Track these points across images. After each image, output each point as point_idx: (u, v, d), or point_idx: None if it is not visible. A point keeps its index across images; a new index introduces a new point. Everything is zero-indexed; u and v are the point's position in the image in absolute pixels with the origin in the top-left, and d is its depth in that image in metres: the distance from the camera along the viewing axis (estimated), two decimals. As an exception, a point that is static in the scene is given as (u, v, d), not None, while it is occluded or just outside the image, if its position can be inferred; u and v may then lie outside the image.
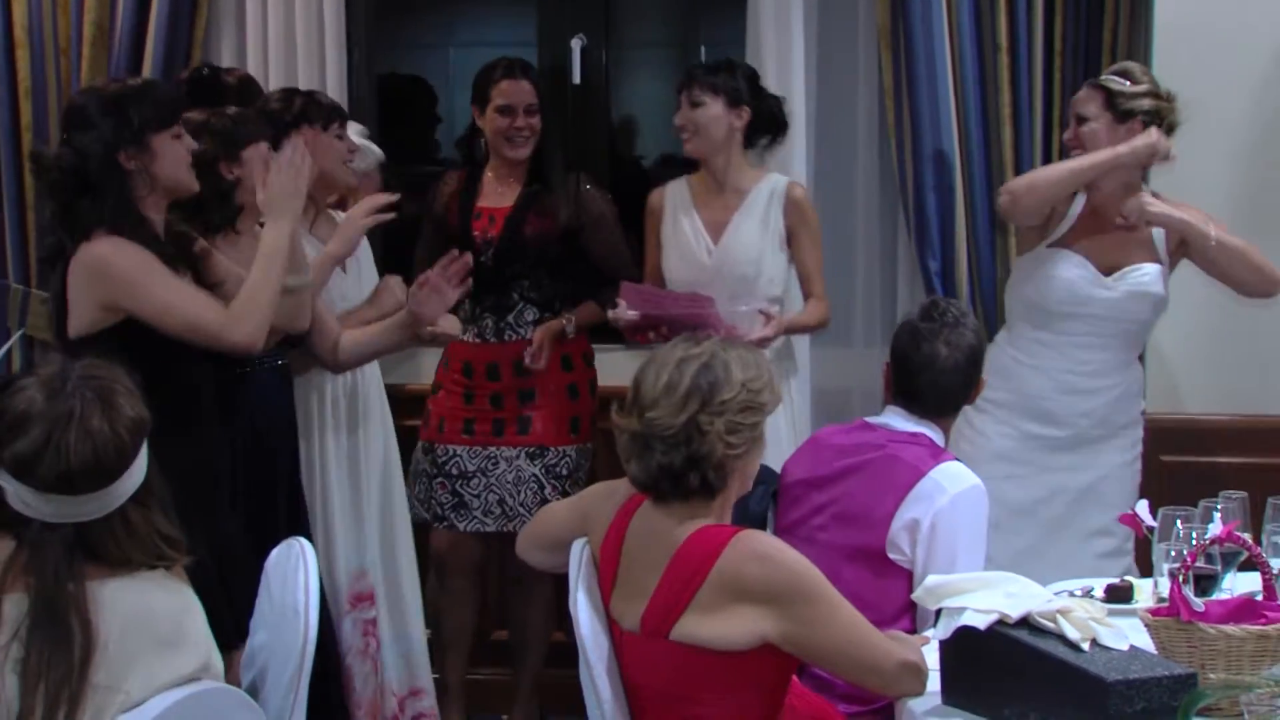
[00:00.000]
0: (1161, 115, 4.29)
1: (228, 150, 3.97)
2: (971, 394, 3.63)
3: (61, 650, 2.47)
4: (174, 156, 3.66)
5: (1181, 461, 4.65)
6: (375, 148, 4.84)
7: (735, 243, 4.59)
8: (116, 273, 3.55)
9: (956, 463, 3.47)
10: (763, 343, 4.41)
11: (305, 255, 3.94)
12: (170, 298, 3.57)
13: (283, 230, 3.72)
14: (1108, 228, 4.32)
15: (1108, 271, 4.30)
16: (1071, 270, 4.30)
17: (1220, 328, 4.68)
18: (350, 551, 4.48)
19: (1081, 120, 4.33)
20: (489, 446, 4.74)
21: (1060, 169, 4.34)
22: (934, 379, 3.57)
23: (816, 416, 4.88)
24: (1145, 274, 4.30)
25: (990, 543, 3.52)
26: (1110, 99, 4.29)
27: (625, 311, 4.46)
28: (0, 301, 5.18)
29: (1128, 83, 4.30)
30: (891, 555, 3.44)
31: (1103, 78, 4.37)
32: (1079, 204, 4.38)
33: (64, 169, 3.59)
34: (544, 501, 4.64)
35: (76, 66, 5.06)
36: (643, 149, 5.67)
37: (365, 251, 4.54)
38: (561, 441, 4.77)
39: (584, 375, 4.84)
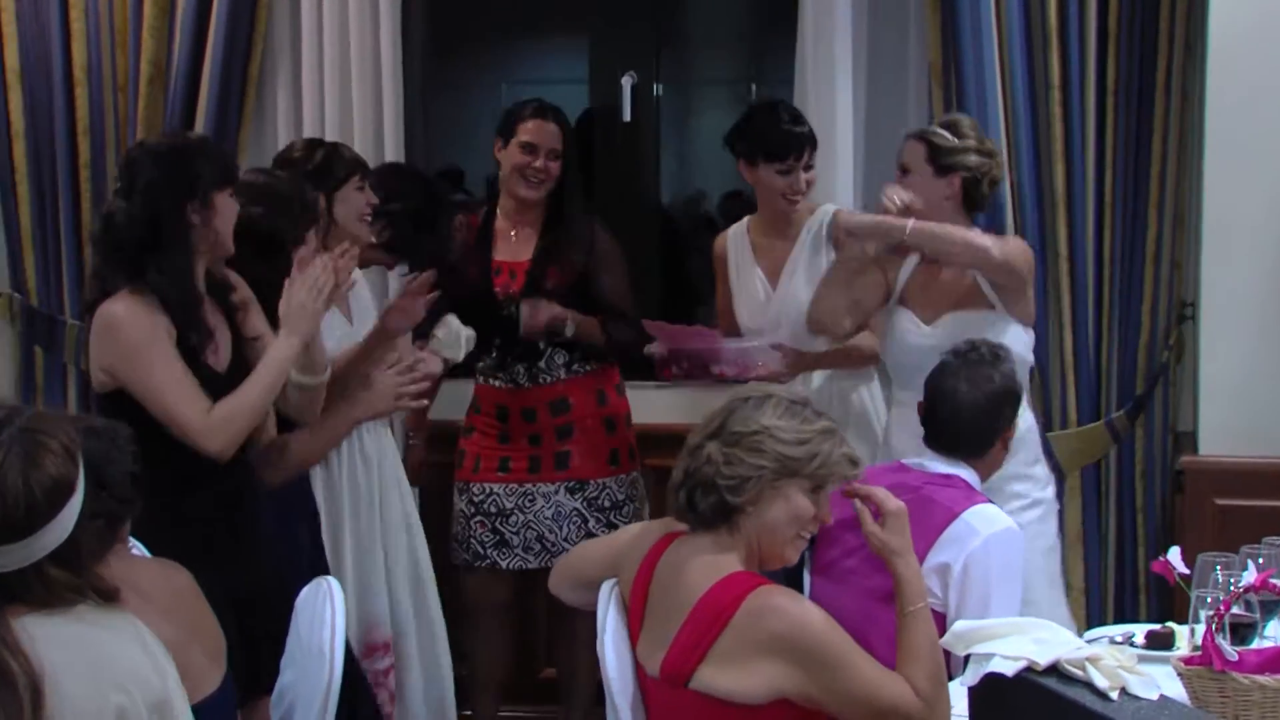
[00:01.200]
0: (983, 172, 4.20)
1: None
2: (996, 439, 3.58)
3: (8, 693, 2.41)
4: (230, 214, 3.68)
5: (1236, 505, 4.54)
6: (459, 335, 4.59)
7: (792, 285, 4.58)
8: (120, 338, 3.53)
9: (990, 505, 3.42)
10: (775, 378, 4.41)
11: (324, 353, 3.86)
12: (160, 382, 3.52)
13: (293, 345, 3.65)
14: (936, 278, 4.25)
15: (932, 322, 4.21)
16: (899, 323, 4.24)
17: (1276, 367, 4.59)
18: (364, 603, 4.38)
19: (904, 171, 4.25)
20: (525, 484, 4.74)
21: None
22: (952, 414, 3.55)
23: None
24: (961, 322, 4.15)
25: None
26: (932, 152, 4.21)
27: (655, 347, 4.52)
28: (57, 336, 5.24)
29: (952, 137, 4.21)
30: (924, 598, 3.40)
31: (928, 128, 4.30)
32: (912, 263, 4.30)
33: (135, 221, 3.56)
34: (588, 535, 4.67)
35: (134, 105, 5.13)
36: (698, 184, 5.67)
37: (369, 305, 4.51)
38: (601, 474, 4.76)
39: (619, 408, 4.84)
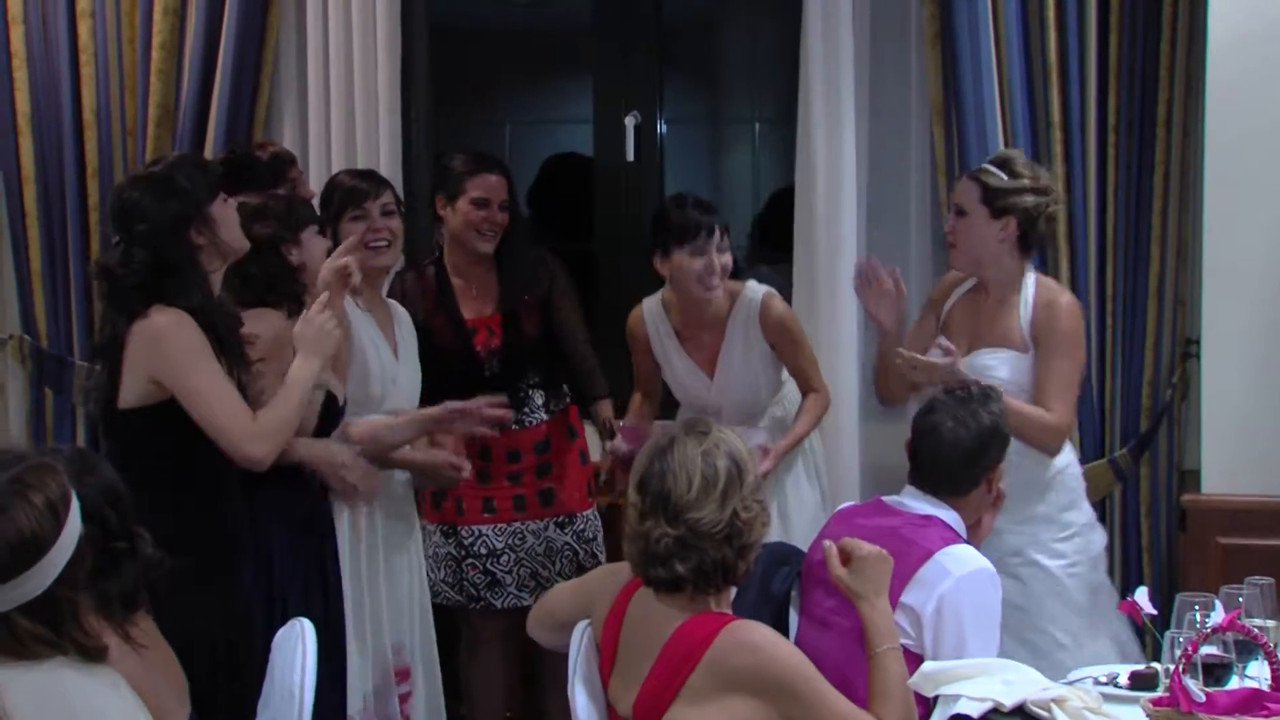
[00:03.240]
0: (1039, 211, 4.12)
1: (287, 232, 4.02)
2: (981, 477, 3.50)
3: None
4: (230, 219, 3.71)
5: (1239, 544, 4.49)
6: None
7: (730, 378, 4.57)
8: (169, 347, 3.55)
9: (965, 546, 3.37)
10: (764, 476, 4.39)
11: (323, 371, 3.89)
12: (208, 390, 3.56)
13: (313, 366, 3.73)
14: (978, 310, 4.21)
15: (965, 353, 4.13)
16: (932, 351, 4.14)
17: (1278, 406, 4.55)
18: (393, 627, 4.42)
19: (960, 213, 4.19)
20: (513, 523, 4.76)
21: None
22: (935, 449, 3.50)
23: (866, 492, 4.83)
24: (990, 357, 4.12)
25: None
26: (986, 193, 4.13)
27: (621, 444, 4.54)
28: (66, 378, 5.28)
29: (1006, 176, 4.14)
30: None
31: (981, 168, 4.23)
32: (962, 289, 4.27)
33: (142, 267, 3.58)
34: (580, 568, 4.72)
35: (142, 148, 5.18)
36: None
37: (410, 333, 4.55)
38: (584, 506, 4.84)
39: (584, 440, 4.91)
